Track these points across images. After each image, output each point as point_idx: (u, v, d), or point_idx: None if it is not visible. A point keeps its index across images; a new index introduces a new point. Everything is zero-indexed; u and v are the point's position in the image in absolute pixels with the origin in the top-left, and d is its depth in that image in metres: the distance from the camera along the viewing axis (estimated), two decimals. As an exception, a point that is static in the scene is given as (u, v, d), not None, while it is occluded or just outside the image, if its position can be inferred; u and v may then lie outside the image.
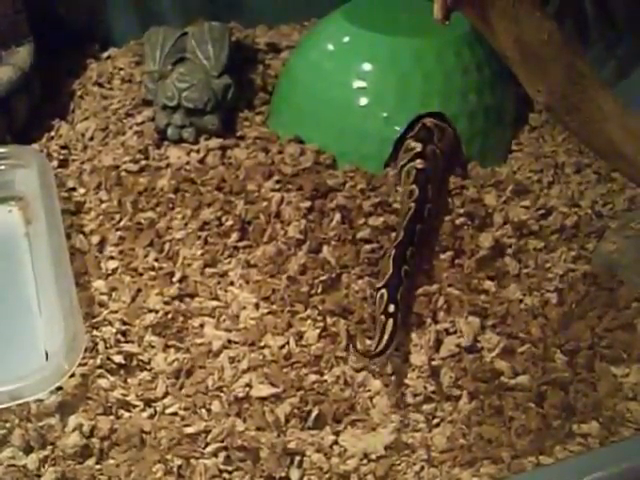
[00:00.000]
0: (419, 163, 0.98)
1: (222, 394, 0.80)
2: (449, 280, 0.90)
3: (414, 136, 1.02)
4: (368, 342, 0.81)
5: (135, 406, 0.79)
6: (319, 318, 0.86)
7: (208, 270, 0.91)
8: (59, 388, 0.78)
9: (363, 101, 1.05)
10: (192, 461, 0.74)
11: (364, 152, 1.04)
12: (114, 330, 0.84)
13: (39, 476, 0.73)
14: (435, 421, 0.78)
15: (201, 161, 1.05)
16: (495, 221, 0.97)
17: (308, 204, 0.97)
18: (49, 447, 0.75)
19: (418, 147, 1.00)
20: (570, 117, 0.75)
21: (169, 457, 0.74)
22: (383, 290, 0.84)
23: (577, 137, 0.90)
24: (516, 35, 0.73)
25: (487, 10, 0.73)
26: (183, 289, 0.89)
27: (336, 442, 0.76)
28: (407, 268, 0.86)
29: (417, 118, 1.03)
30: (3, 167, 1.00)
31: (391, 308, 0.81)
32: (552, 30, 0.73)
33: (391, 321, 0.79)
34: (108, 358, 0.82)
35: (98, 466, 0.74)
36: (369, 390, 0.80)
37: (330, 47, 1.09)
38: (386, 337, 0.78)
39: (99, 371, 0.81)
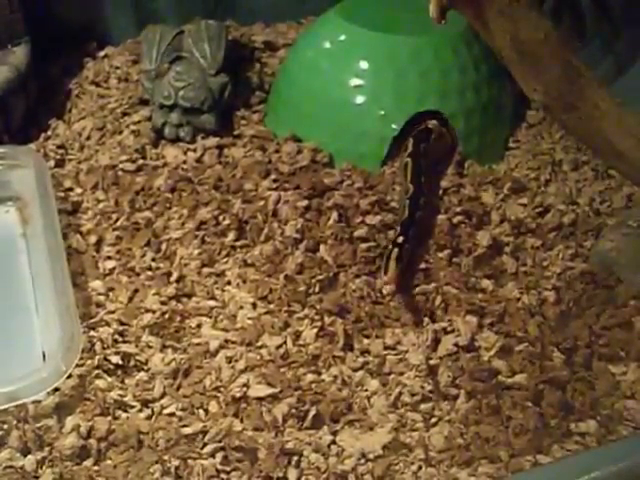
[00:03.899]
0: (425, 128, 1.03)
1: (219, 394, 0.80)
2: (447, 279, 0.90)
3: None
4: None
5: (132, 407, 0.79)
6: (316, 317, 0.86)
7: (205, 270, 0.91)
8: (56, 389, 0.78)
9: (360, 99, 1.05)
10: (190, 461, 0.74)
11: (361, 150, 1.04)
12: (111, 330, 0.84)
13: (37, 477, 0.73)
14: (433, 420, 0.78)
15: (198, 160, 1.05)
16: (492, 219, 0.97)
17: (305, 203, 0.97)
18: (47, 448, 0.75)
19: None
20: (567, 115, 0.75)
21: (166, 458, 0.74)
22: (398, 227, 0.92)
23: (574, 135, 0.90)
24: (512, 34, 0.73)
25: (483, 9, 0.73)
26: (180, 289, 0.89)
27: (334, 442, 0.76)
28: (420, 213, 0.94)
29: (415, 116, 1.03)
30: (0, 167, 0.99)
31: (400, 239, 0.88)
32: (548, 29, 0.73)
33: (396, 250, 0.86)
34: (105, 359, 0.81)
35: (96, 467, 0.74)
36: (366, 390, 0.80)
37: (327, 45, 1.09)
38: (392, 263, 0.85)
39: (96, 372, 0.81)
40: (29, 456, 0.74)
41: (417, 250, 0.92)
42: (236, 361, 0.82)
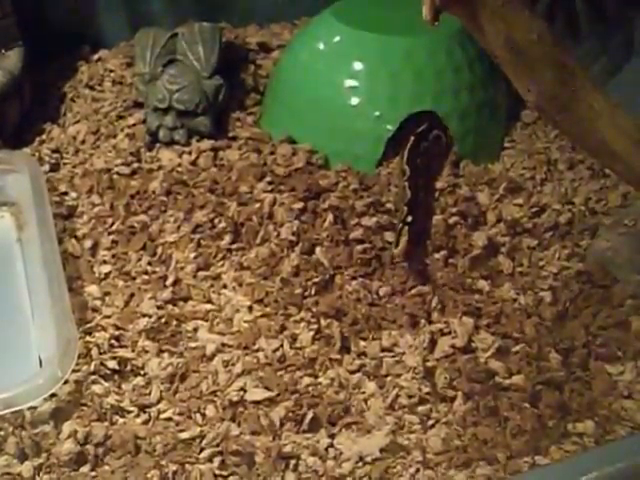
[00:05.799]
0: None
1: (216, 398, 0.80)
2: (443, 280, 0.90)
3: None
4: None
5: (129, 412, 0.79)
6: (313, 320, 0.86)
7: (201, 273, 0.91)
8: (53, 395, 0.78)
9: (354, 100, 1.05)
10: (187, 466, 0.74)
11: (356, 152, 1.04)
12: (107, 335, 0.84)
13: (34, 484, 0.73)
14: (430, 422, 0.78)
15: (193, 163, 1.05)
16: (488, 219, 0.97)
17: (301, 205, 0.97)
18: (44, 454, 0.75)
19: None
20: (561, 117, 0.75)
21: (164, 463, 0.74)
22: (405, 207, 0.95)
23: (568, 136, 0.89)
24: (506, 35, 0.72)
25: (476, 10, 0.72)
26: (176, 293, 0.89)
27: (331, 445, 0.76)
28: (422, 194, 0.98)
29: (410, 117, 1.03)
30: (-5, 172, 0.99)
31: (409, 218, 0.93)
32: (542, 30, 0.72)
33: (406, 228, 0.91)
34: (102, 364, 0.81)
35: (93, 473, 0.74)
36: (364, 392, 0.80)
37: (321, 46, 1.09)
38: (402, 238, 0.90)
39: (93, 377, 0.81)
40: (26, 462, 0.74)
41: (426, 227, 0.95)
42: (233, 365, 0.82)
